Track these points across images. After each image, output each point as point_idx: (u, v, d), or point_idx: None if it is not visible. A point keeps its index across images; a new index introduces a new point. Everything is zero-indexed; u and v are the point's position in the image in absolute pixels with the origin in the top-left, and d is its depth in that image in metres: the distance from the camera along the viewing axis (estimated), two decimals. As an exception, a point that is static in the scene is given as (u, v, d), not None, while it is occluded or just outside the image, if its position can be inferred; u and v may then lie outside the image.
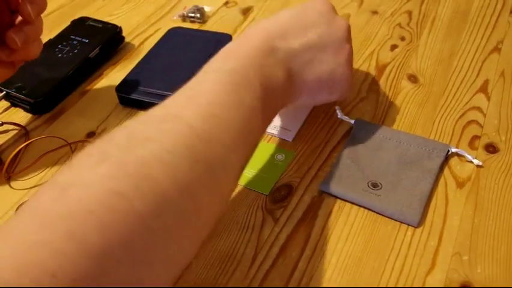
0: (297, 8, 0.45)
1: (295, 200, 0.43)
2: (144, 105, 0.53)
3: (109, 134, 0.30)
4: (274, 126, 0.50)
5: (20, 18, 0.46)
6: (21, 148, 0.48)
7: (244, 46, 0.39)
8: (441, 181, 0.44)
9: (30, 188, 0.46)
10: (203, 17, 0.66)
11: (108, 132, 0.50)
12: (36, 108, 0.54)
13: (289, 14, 0.44)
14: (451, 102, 0.51)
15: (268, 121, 0.40)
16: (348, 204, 0.42)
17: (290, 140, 0.48)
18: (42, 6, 0.46)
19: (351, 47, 0.45)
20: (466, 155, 0.45)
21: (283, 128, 0.49)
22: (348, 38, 0.45)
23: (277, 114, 0.47)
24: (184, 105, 0.32)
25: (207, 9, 0.68)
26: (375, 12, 0.66)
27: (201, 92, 0.34)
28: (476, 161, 0.44)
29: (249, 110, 0.35)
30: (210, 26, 0.65)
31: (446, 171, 0.44)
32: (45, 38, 0.62)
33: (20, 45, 0.45)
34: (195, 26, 0.66)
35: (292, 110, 0.51)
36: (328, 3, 0.46)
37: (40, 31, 0.48)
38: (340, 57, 0.43)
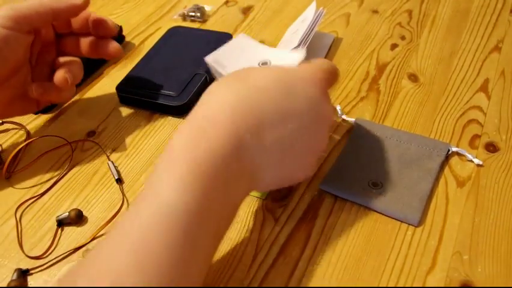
0: (283, 84, 0.35)
1: (295, 199, 0.43)
2: (144, 105, 0.53)
3: None
4: None
5: (64, 59, 0.47)
6: (22, 147, 0.48)
7: (204, 150, 0.30)
8: (442, 180, 0.44)
9: (31, 187, 0.46)
10: (203, 16, 0.66)
11: (108, 131, 0.51)
12: (36, 107, 0.53)
13: (272, 92, 0.35)
14: (451, 101, 0.51)
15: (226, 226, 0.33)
16: (348, 204, 0.42)
17: None
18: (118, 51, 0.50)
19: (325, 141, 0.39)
20: (466, 154, 0.45)
21: None
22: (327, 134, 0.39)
23: None
24: None
25: (207, 8, 0.68)
26: (375, 12, 0.66)
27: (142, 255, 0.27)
28: (476, 160, 0.44)
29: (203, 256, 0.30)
30: (211, 25, 0.65)
31: (446, 170, 0.44)
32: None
33: (69, 85, 0.46)
34: (195, 25, 0.65)
35: None
36: (321, 86, 0.38)
37: (81, 77, 0.49)
38: (309, 160, 0.39)
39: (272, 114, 0.34)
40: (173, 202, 0.28)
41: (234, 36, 0.61)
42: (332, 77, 0.40)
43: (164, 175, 0.30)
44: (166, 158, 0.31)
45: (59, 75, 0.45)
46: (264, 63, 0.50)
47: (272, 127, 0.33)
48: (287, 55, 0.52)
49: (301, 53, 0.50)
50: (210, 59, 0.51)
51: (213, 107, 0.33)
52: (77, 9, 0.45)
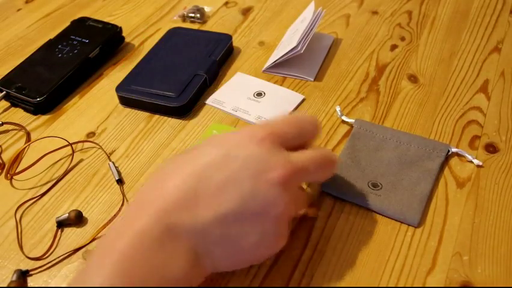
0: (217, 150, 0.32)
1: (295, 200, 0.43)
2: (144, 106, 0.53)
3: None
4: (258, 116, 0.50)
5: None
6: (22, 149, 0.48)
7: (125, 237, 0.29)
8: (442, 181, 0.44)
9: (31, 188, 0.46)
10: (203, 17, 0.66)
11: (108, 132, 0.51)
12: (36, 108, 0.54)
13: (203, 162, 0.31)
14: (451, 102, 0.51)
15: None
16: (348, 205, 0.42)
17: None
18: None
19: (289, 200, 0.32)
20: (466, 155, 0.45)
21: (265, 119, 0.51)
22: (283, 192, 0.32)
23: (260, 104, 0.51)
24: None
25: (207, 9, 0.68)
26: (375, 13, 0.66)
27: None
28: (476, 161, 0.44)
29: None
30: (210, 26, 0.65)
31: (446, 171, 0.44)
32: (45, 38, 0.62)
33: None
34: (195, 26, 0.66)
35: (279, 103, 0.52)
36: (264, 138, 0.32)
37: None
38: (268, 225, 0.32)
39: (204, 185, 0.31)
40: None
41: (233, 37, 0.61)
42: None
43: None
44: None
45: None
46: (259, 94, 0.53)
47: (206, 200, 0.31)
48: (285, 92, 0.54)
49: (299, 97, 0.53)
50: (209, 100, 0.53)
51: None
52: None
